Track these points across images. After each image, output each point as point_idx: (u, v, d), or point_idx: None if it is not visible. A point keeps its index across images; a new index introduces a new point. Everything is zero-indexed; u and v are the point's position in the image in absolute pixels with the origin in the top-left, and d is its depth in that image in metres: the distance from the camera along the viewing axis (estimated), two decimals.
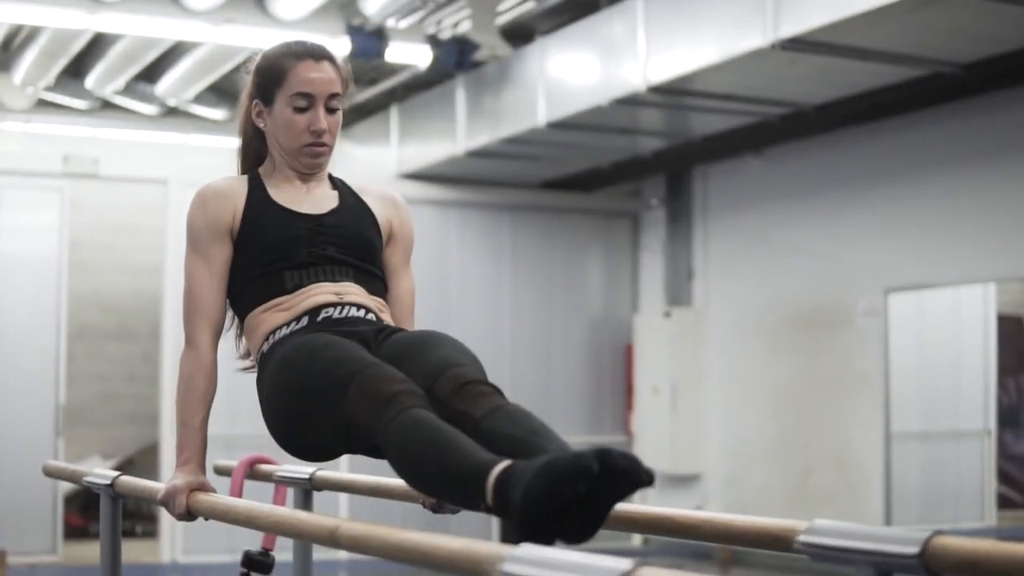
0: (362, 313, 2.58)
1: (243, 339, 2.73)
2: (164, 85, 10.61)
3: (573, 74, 9.00)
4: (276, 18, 8.87)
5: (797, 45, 7.25)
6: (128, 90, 10.83)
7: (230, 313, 2.73)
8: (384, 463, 2.29)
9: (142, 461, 11.66)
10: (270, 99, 2.71)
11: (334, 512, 9.03)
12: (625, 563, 1.35)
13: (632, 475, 1.88)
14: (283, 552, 2.90)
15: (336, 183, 2.82)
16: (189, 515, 2.53)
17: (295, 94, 2.66)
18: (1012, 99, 8.09)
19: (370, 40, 9.16)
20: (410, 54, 9.72)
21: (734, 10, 7.52)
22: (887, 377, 9.00)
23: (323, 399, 2.31)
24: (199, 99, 11.02)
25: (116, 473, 2.91)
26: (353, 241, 2.68)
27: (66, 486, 9.62)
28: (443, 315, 10.66)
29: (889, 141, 9.02)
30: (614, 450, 1.88)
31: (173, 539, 9.75)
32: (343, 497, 9.42)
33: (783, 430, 9.91)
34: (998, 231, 8.27)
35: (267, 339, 2.59)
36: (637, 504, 2.31)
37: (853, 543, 1.66)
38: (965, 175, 8.52)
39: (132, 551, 9.92)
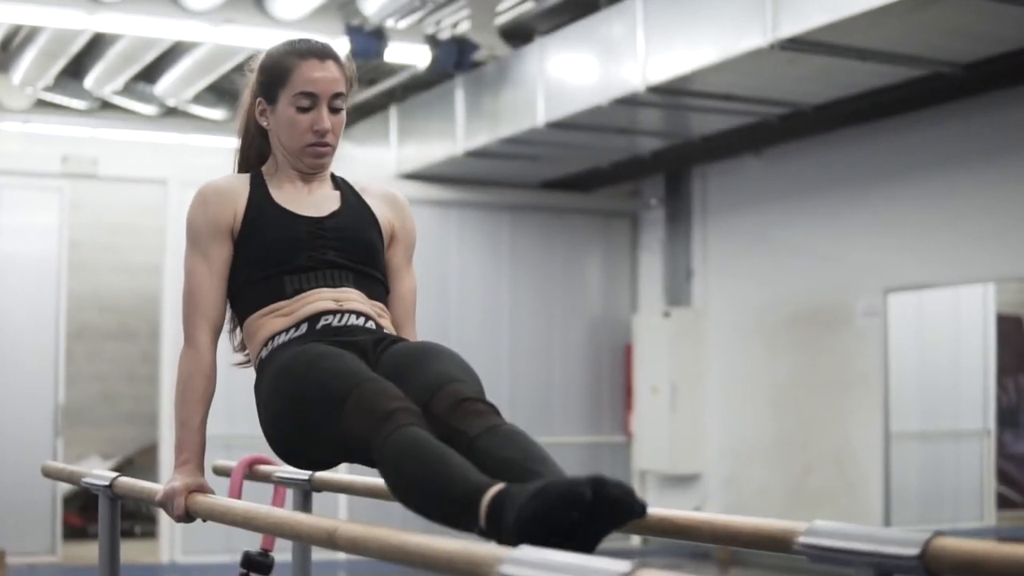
0: (361, 321, 2.58)
1: (239, 333, 2.72)
2: (163, 85, 10.61)
3: (572, 74, 9.00)
4: (275, 18, 8.87)
5: (796, 45, 7.25)
6: (127, 90, 10.83)
7: (229, 311, 2.72)
8: None
9: (141, 461, 11.67)
10: (273, 98, 2.69)
11: (333, 513, 9.03)
12: (624, 565, 1.35)
13: (625, 505, 1.88)
14: (282, 552, 2.90)
15: (338, 183, 2.80)
16: (188, 516, 2.52)
17: (299, 93, 2.64)
18: (1012, 99, 8.09)
19: (369, 40, 9.16)
20: (409, 54, 9.72)
21: (733, 10, 7.52)
22: (886, 377, 9.00)
23: (320, 412, 2.31)
24: (198, 99, 11.02)
25: (114, 474, 2.90)
26: (354, 244, 2.67)
27: (65, 486, 9.62)
28: (442, 315, 10.66)
29: (889, 141, 9.02)
30: (609, 479, 1.87)
31: (172, 539, 9.75)
32: (342, 498, 9.42)
33: (782, 430, 9.90)
34: (998, 231, 8.27)
35: (266, 345, 2.59)
36: None
37: (853, 544, 1.65)
38: (965, 175, 8.52)
39: (131, 551, 9.92)
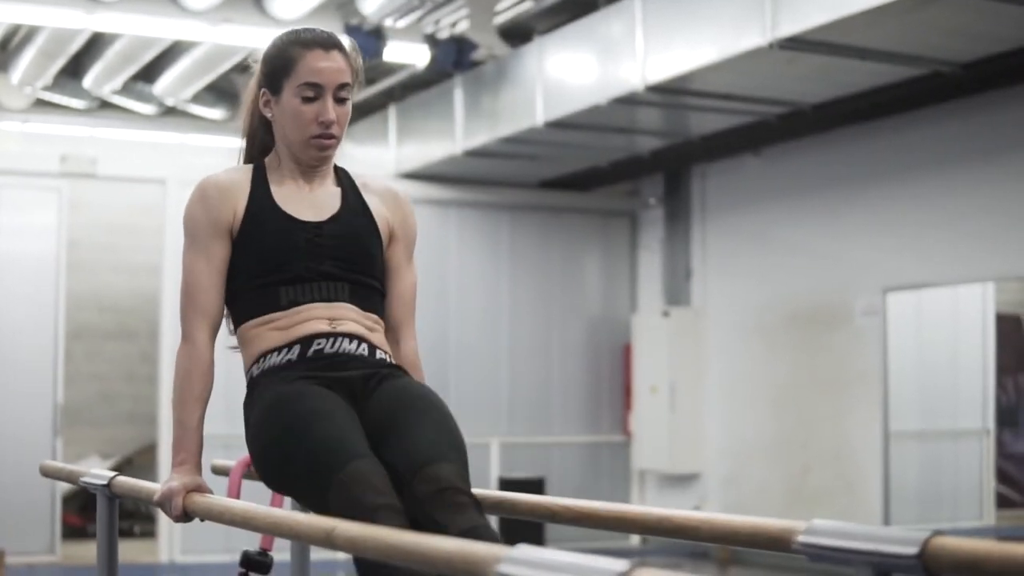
0: (354, 346, 2.57)
1: (231, 323, 2.71)
2: (162, 85, 10.61)
3: (571, 73, 9.00)
4: (274, 17, 8.87)
5: (795, 44, 7.24)
6: (126, 90, 10.82)
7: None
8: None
9: (141, 461, 11.67)
10: (278, 89, 2.65)
11: None
12: (622, 564, 1.35)
13: None
14: (281, 552, 2.89)
15: (340, 178, 2.76)
16: (186, 516, 2.51)
17: (303, 84, 2.61)
18: (1011, 98, 8.09)
19: (368, 39, 9.15)
20: (408, 54, 9.72)
21: (732, 9, 7.52)
22: (886, 376, 9.00)
23: (305, 483, 2.36)
24: (197, 99, 11.01)
25: (112, 473, 2.90)
26: (352, 252, 2.64)
27: (64, 486, 9.62)
28: (442, 315, 10.66)
29: (888, 140, 9.02)
30: None
31: (171, 539, 9.75)
32: None
33: (782, 429, 9.90)
34: (997, 230, 8.27)
35: (257, 361, 2.59)
36: (634, 504, 2.31)
37: (852, 543, 1.65)
38: (964, 174, 8.52)
39: (130, 551, 9.91)
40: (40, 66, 9.91)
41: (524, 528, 9.10)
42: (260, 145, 2.78)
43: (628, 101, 8.57)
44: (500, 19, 9.96)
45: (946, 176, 8.64)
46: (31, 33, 9.64)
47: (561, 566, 1.43)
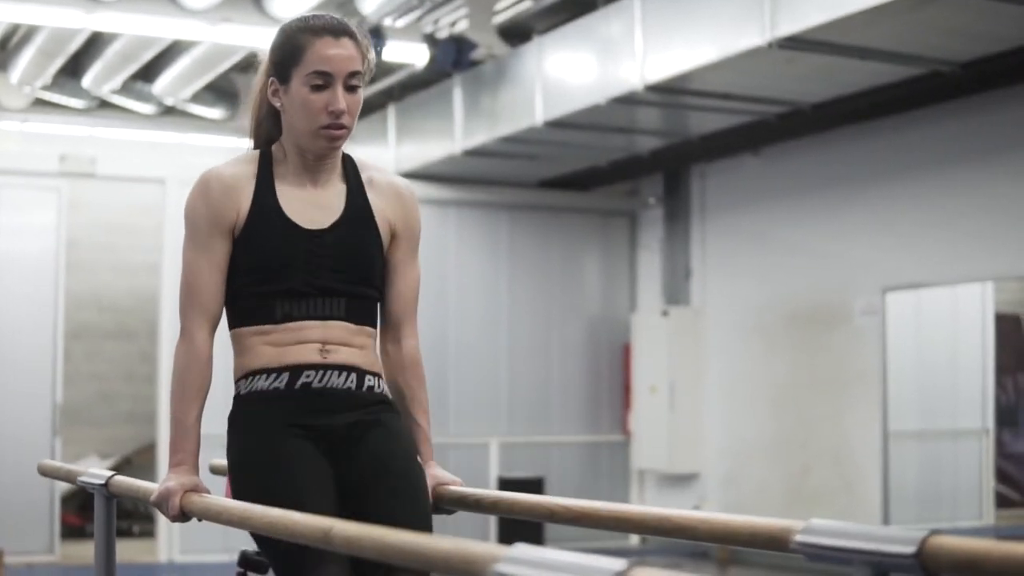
0: (343, 379, 2.57)
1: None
2: (161, 84, 10.60)
3: (571, 73, 9.00)
4: (273, 17, 8.86)
5: (795, 44, 7.24)
6: (125, 89, 10.81)
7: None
8: None
9: (140, 460, 11.66)
10: (286, 77, 2.57)
11: None
12: (619, 563, 1.34)
13: None
14: None
15: (347, 171, 2.69)
16: (183, 516, 2.51)
17: (312, 72, 2.53)
18: (1010, 98, 8.08)
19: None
20: (407, 53, 9.71)
21: (731, 9, 7.51)
22: (885, 376, 9.00)
23: (282, 552, 2.42)
24: (196, 98, 11.01)
25: (110, 473, 2.90)
26: (351, 262, 2.60)
27: (64, 486, 9.62)
28: (441, 314, 10.66)
29: (887, 140, 9.01)
30: None
31: (170, 539, 9.75)
32: None
33: (781, 429, 9.90)
34: (996, 230, 8.26)
35: (247, 378, 2.59)
36: (634, 504, 2.31)
37: (849, 543, 1.65)
38: (963, 174, 8.51)
39: (129, 551, 9.91)
40: (39, 66, 9.90)
41: (523, 528, 9.11)
42: (266, 135, 2.70)
43: (627, 101, 8.57)
44: (499, 19, 9.96)
45: (945, 176, 8.63)
46: (30, 32, 9.64)
47: (559, 565, 1.43)
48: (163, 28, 8.98)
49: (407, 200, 2.73)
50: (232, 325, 2.64)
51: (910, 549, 1.57)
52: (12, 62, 10.24)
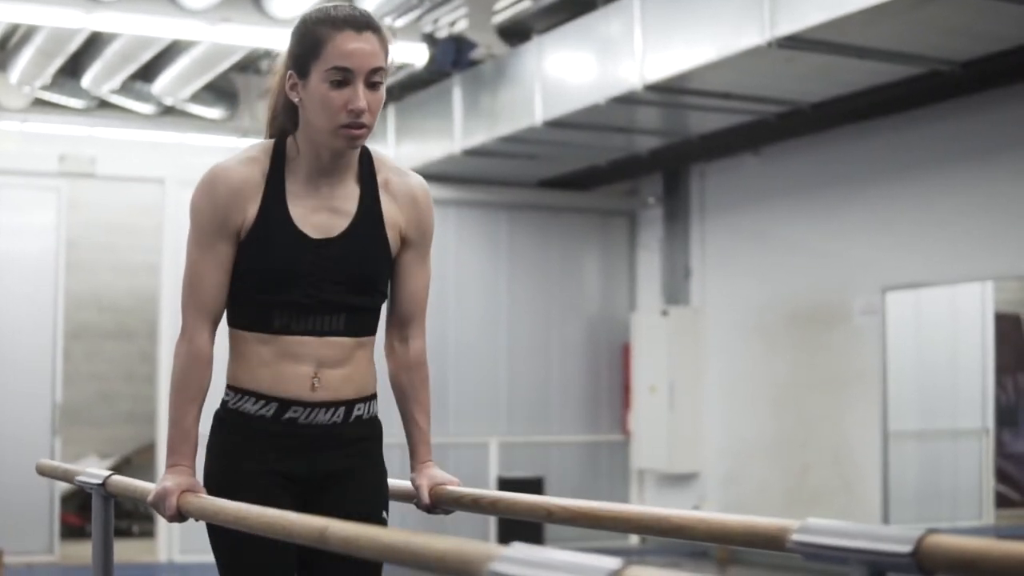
0: (328, 415, 2.55)
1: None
2: (161, 84, 10.60)
3: (570, 72, 8.99)
4: (272, 17, 8.86)
5: (794, 43, 7.24)
6: (125, 89, 10.81)
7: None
8: None
9: (139, 460, 11.66)
10: (305, 72, 2.45)
11: None
12: (614, 562, 1.34)
13: None
14: None
15: (363, 170, 2.59)
16: (180, 516, 2.51)
17: (332, 68, 2.41)
18: (1010, 97, 8.08)
19: None
20: (407, 53, 9.71)
21: (731, 8, 7.51)
22: (885, 376, 9.00)
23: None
24: (196, 98, 11.00)
25: (108, 472, 2.89)
26: (356, 273, 2.55)
27: (63, 486, 9.62)
28: (440, 314, 10.66)
29: (886, 139, 9.01)
30: None
31: (170, 539, 9.74)
32: None
33: (781, 429, 9.90)
34: (996, 229, 8.26)
35: (236, 392, 2.57)
36: (633, 504, 2.31)
37: (846, 542, 1.65)
38: (963, 173, 8.51)
39: (129, 550, 9.92)
40: (39, 65, 9.90)
41: (523, 528, 9.12)
42: (280, 128, 2.60)
43: (627, 100, 8.57)
44: (499, 18, 9.95)
45: (945, 175, 8.63)
46: (30, 32, 9.63)
47: (555, 564, 1.42)
48: (162, 28, 8.97)
49: (422, 205, 2.65)
50: (231, 323, 2.61)
51: (906, 548, 1.57)
52: (12, 62, 10.24)
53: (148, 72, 10.53)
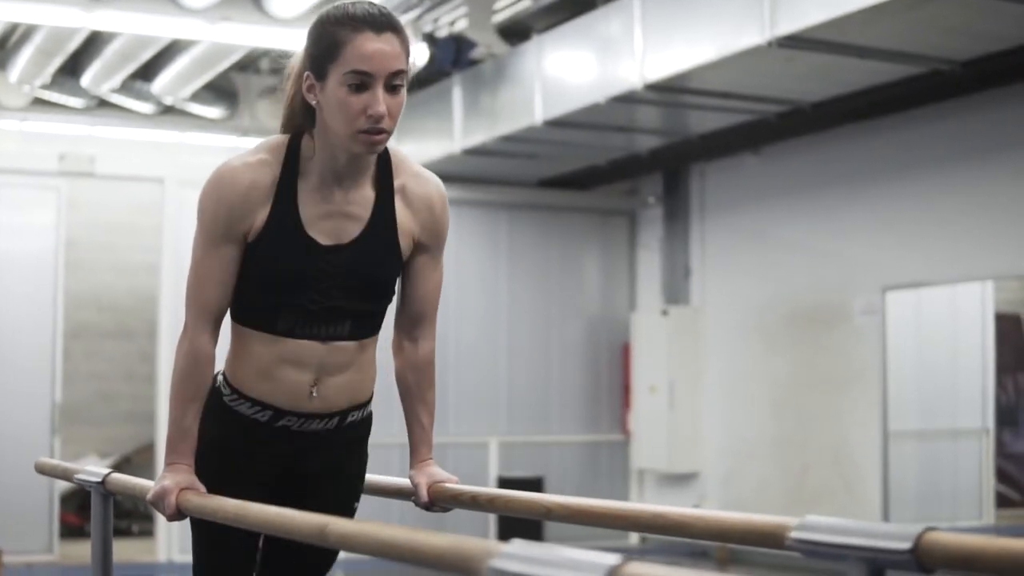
0: (322, 424, 2.57)
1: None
2: (160, 83, 10.59)
3: (570, 72, 8.99)
4: (272, 16, 8.86)
5: (794, 43, 7.24)
6: (124, 88, 10.80)
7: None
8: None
9: (139, 460, 11.66)
10: (323, 74, 2.37)
11: None
12: (613, 558, 1.34)
13: None
14: None
15: (380, 173, 2.52)
16: (179, 515, 2.50)
17: (350, 71, 2.33)
18: (1010, 96, 8.08)
19: None
20: None
21: (731, 8, 7.51)
22: (885, 375, 9.00)
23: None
24: (196, 97, 11.00)
25: (107, 470, 2.89)
26: (364, 281, 2.51)
27: (63, 485, 9.61)
28: (440, 314, 10.49)
29: (887, 139, 9.01)
30: None
31: (169, 538, 9.74)
32: None
33: (781, 428, 9.90)
34: (996, 229, 8.26)
35: (233, 389, 2.57)
36: (631, 502, 2.30)
37: (845, 539, 1.64)
38: (963, 173, 8.51)
39: (129, 550, 9.91)
40: (38, 65, 9.89)
41: (523, 527, 9.11)
42: (297, 127, 2.52)
43: (627, 100, 8.57)
44: (499, 18, 9.95)
45: (945, 174, 8.63)
46: (29, 31, 9.63)
47: (554, 561, 1.42)
48: (162, 27, 8.97)
49: (438, 211, 2.58)
50: (235, 318, 2.59)
51: (906, 545, 1.57)
52: (11, 61, 10.24)
53: (148, 71, 10.53)
